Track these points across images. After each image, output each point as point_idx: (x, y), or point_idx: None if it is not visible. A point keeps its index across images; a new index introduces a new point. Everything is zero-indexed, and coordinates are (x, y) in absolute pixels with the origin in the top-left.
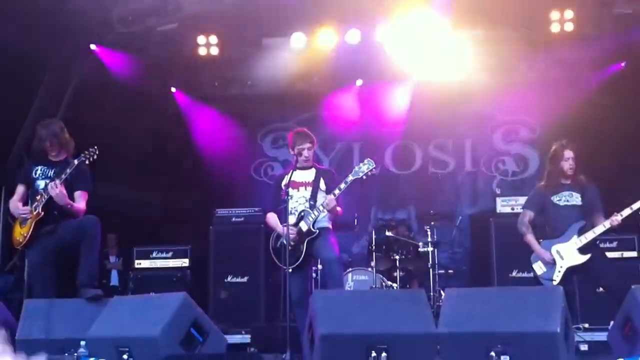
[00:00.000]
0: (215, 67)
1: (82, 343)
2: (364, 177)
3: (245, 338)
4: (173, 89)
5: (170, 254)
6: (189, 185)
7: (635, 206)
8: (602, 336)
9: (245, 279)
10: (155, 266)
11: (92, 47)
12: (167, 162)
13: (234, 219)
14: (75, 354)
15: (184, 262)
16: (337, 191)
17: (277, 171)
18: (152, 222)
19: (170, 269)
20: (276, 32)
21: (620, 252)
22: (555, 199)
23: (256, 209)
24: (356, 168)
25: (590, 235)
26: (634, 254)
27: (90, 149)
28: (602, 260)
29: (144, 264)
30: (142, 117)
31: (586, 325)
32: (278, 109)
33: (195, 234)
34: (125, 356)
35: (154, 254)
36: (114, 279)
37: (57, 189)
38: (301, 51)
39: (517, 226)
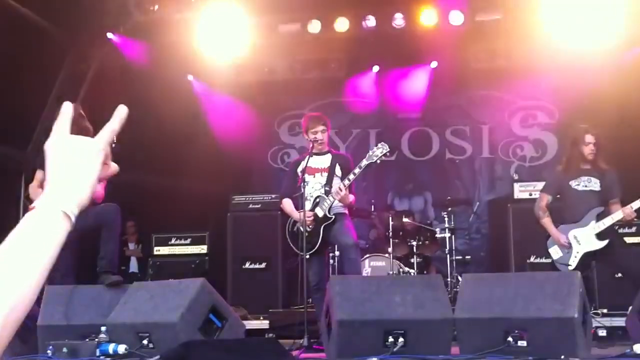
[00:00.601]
0: (232, 54)
1: (103, 329)
2: (378, 161)
3: (264, 324)
4: (190, 77)
5: (188, 241)
6: (206, 172)
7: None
8: (620, 321)
9: (263, 265)
10: (174, 253)
11: (109, 35)
12: (185, 149)
13: (251, 205)
14: (96, 340)
15: (202, 249)
16: (351, 176)
17: (293, 158)
18: (169, 209)
19: (188, 255)
20: (292, 18)
21: (639, 237)
22: (573, 183)
23: (273, 195)
24: (370, 152)
25: (608, 221)
26: None
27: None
28: (620, 245)
29: (163, 250)
30: (159, 104)
31: (604, 311)
32: (294, 96)
33: (213, 221)
34: (145, 341)
35: (173, 241)
36: (133, 266)
37: None
38: (317, 37)
39: (534, 210)
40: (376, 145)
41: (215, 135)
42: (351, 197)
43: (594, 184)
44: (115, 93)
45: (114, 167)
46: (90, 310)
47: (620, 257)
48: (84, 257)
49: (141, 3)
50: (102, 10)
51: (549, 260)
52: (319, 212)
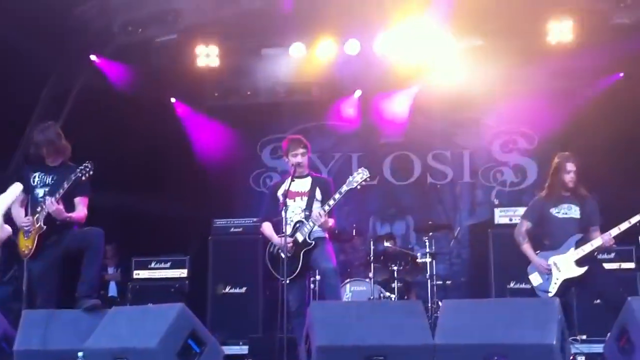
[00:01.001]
0: (215, 78)
1: (80, 354)
2: (358, 187)
3: (243, 349)
4: (173, 99)
5: (168, 264)
6: (188, 195)
7: (622, 226)
8: (599, 348)
9: (243, 290)
10: (154, 276)
11: (93, 57)
12: (167, 172)
13: (232, 229)
14: None
15: (183, 273)
16: (331, 201)
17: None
18: (150, 232)
19: (168, 279)
20: (275, 42)
21: (618, 264)
22: (554, 210)
23: (255, 219)
24: (350, 178)
25: (587, 248)
26: (631, 265)
27: (86, 165)
28: (599, 272)
29: (143, 274)
30: (141, 127)
31: (584, 337)
32: (277, 119)
33: (194, 244)
34: None
35: (153, 265)
36: (112, 290)
37: (54, 206)
38: (300, 61)
39: (514, 236)
40: (356, 171)
41: (198, 158)
42: (331, 222)
43: (574, 212)
44: (98, 114)
45: (6, 230)
46: (68, 335)
47: (600, 284)
48: (65, 280)
49: (125, 25)
50: (85, 31)
51: (528, 286)
52: (299, 237)
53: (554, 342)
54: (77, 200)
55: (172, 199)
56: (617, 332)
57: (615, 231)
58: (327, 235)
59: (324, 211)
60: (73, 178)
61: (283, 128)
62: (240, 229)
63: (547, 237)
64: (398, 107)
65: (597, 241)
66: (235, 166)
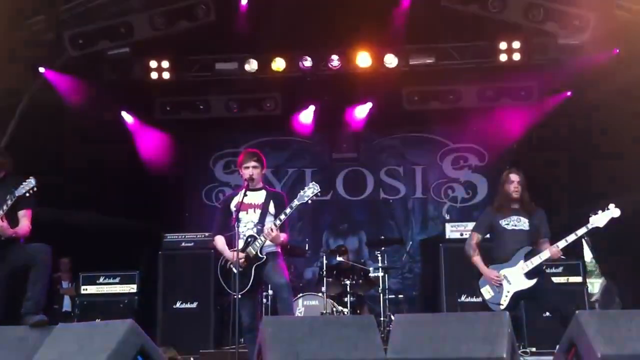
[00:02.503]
0: (167, 92)
1: None
2: (309, 201)
3: None
4: (124, 113)
5: (117, 280)
6: (138, 209)
7: (569, 238)
8: None
9: (194, 305)
10: (103, 292)
11: (41, 70)
12: (117, 186)
13: (183, 244)
14: None
15: (132, 288)
16: (282, 216)
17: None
18: (100, 248)
19: (117, 294)
20: (229, 56)
21: (565, 277)
22: (503, 222)
23: (206, 234)
24: (301, 192)
25: (536, 261)
26: (579, 279)
27: (30, 182)
28: (548, 285)
29: (91, 289)
30: (92, 140)
31: (533, 350)
32: (230, 134)
33: (144, 259)
34: None
35: (101, 280)
36: (67, 305)
37: None
38: (254, 76)
39: (465, 249)
40: (307, 185)
41: (149, 173)
42: (283, 236)
43: (523, 224)
44: (46, 128)
45: None
46: (13, 352)
47: (549, 297)
48: (9, 297)
49: (75, 38)
50: (35, 44)
51: (479, 300)
52: (251, 251)
53: (504, 356)
54: (20, 213)
55: (122, 214)
56: (565, 345)
57: (562, 243)
58: (279, 250)
59: (275, 225)
60: (16, 195)
61: (236, 143)
62: (192, 244)
63: (497, 249)
64: (351, 123)
65: (545, 254)
66: (187, 181)
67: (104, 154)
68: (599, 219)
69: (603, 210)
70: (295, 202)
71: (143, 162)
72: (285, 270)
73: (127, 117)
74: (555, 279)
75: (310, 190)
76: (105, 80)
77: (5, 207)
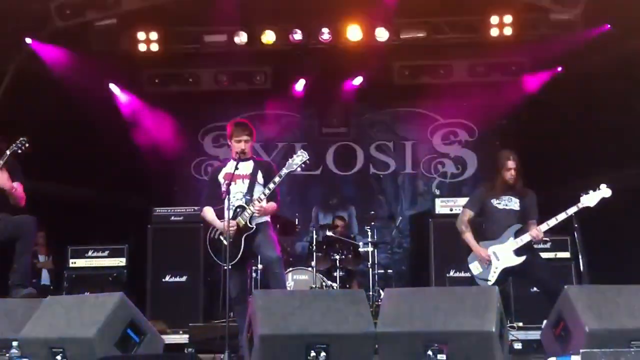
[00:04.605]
0: (156, 64)
1: (15, 344)
2: (298, 169)
3: (183, 338)
4: (112, 85)
5: (106, 253)
6: (127, 183)
7: (560, 217)
8: (535, 335)
9: (184, 279)
10: (91, 265)
11: (28, 40)
12: (105, 159)
13: (172, 218)
14: (7, 355)
15: (121, 262)
16: (271, 185)
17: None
18: (88, 221)
19: (106, 268)
20: (218, 29)
21: (554, 253)
22: (495, 201)
23: (196, 207)
24: (289, 160)
25: (526, 238)
26: (567, 254)
27: (22, 139)
28: (537, 261)
29: (79, 263)
30: (79, 113)
31: (520, 324)
32: (219, 107)
33: (133, 233)
34: (59, 357)
35: (90, 253)
36: (45, 279)
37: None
38: (243, 49)
39: (456, 224)
40: (296, 153)
41: (137, 145)
42: (273, 205)
43: (514, 204)
44: (33, 99)
45: None
46: (2, 324)
47: (537, 272)
48: None
49: (62, 8)
50: (21, 14)
51: (468, 274)
52: (240, 221)
53: (493, 330)
54: (15, 184)
55: (110, 187)
56: (553, 319)
57: (552, 222)
58: (269, 219)
59: (265, 195)
60: (9, 153)
61: (225, 116)
62: (181, 218)
63: (488, 227)
64: (341, 97)
65: (534, 231)
66: (176, 154)
67: (92, 127)
68: (589, 199)
69: (594, 190)
70: (284, 170)
71: (131, 135)
72: (276, 243)
73: (115, 90)
74: (543, 255)
75: (299, 158)
76: (93, 52)
77: (1, 162)
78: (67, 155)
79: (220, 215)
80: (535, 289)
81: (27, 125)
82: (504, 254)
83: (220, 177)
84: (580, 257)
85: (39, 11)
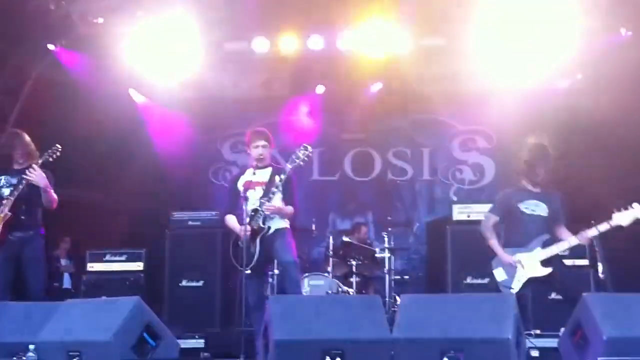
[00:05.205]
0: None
1: (31, 347)
2: (302, 162)
3: (199, 343)
4: (132, 91)
5: (124, 257)
6: (146, 188)
7: (591, 233)
8: (553, 342)
9: (200, 283)
10: (109, 269)
11: (50, 47)
12: (124, 164)
13: (190, 223)
14: (24, 358)
15: (139, 266)
16: (279, 184)
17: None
18: (106, 225)
19: (124, 272)
20: (238, 35)
21: (572, 260)
22: (522, 206)
23: (213, 212)
24: (293, 156)
25: (554, 250)
26: (585, 262)
27: (53, 147)
28: (563, 270)
29: (97, 267)
30: (99, 119)
31: (538, 332)
32: (238, 113)
33: (151, 238)
34: None
35: (108, 257)
36: (67, 282)
37: (35, 171)
38: (263, 56)
39: (481, 230)
40: (299, 149)
41: (156, 151)
42: (289, 208)
43: (542, 209)
44: (54, 105)
45: None
46: (19, 327)
47: (565, 283)
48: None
49: (85, 15)
50: (44, 21)
51: (485, 281)
52: (255, 223)
53: (510, 337)
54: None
55: (129, 192)
56: (571, 327)
57: (582, 238)
58: (288, 225)
59: (272, 194)
60: (41, 161)
61: (244, 123)
62: (199, 223)
63: (513, 233)
64: (360, 103)
65: (563, 244)
66: (194, 160)
67: (112, 132)
68: (622, 218)
69: (626, 209)
70: (288, 166)
71: (150, 141)
72: (293, 248)
73: (135, 95)
74: (566, 262)
75: (302, 152)
76: (114, 58)
77: (40, 161)
78: (87, 160)
79: (240, 222)
80: (554, 295)
81: (48, 130)
82: (530, 263)
83: (240, 185)
84: (600, 264)
85: (61, 18)
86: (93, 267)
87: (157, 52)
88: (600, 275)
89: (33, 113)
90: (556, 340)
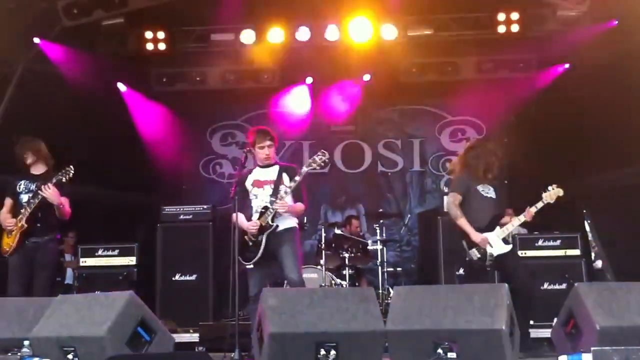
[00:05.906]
0: (163, 63)
1: (26, 343)
2: (318, 167)
3: (194, 337)
4: (120, 85)
5: (116, 252)
6: (136, 182)
7: (538, 205)
8: (546, 333)
9: (193, 277)
10: (101, 264)
11: (36, 40)
12: (114, 158)
13: (181, 216)
14: (19, 354)
15: (131, 260)
16: (292, 184)
17: (226, 168)
18: (98, 221)
19: (116, 267)
20: (225, 28)
21: (563, 250)
22: (480, 188)
23: (205, 206)
24: (310, 160)
25: (509, 227)
26: (576, 252)
27: (67, 168)
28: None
29: (90, 262)
30: (87, 112)
31: (531, 322)
32: (227, 106)
33: (142, 232)
34: (70, 356)
35: (100, 252)
36: (69, 277)
37: (50, 189)
38: (250, 48)
39: (448, 209)
40: (317, 154)
41: (145, 145)
42: (299, 205)
43: (492, 193)
44: (41, 98)
45: None
46: (14, 323)
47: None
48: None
49: (70, 8)
50: (29, 14)
51: None
52: (263, 220)
53: (503, 328)
54: (62, 199)
55: (119, 186)
56: (564, 317)
57: (533, 209)
58: (296, 225)
59: (285, 193)
60: (55, 180)
61: (233, 115)
62: (190, 216)
63: (473, 213)
64: (349, 95)
65: (516, 220)
66: (184, 153)
67: (100, 126)
68: (548, 196)
69: (549, 190)
70: (305, 169)
71: (140, 134)
72: (300, 261)
73: (123, 89)
74: (553, 252)
75: (320, 158)
76: (100, 52)
77: (54, 179)
78: (75, 154)
79: (249, 220)
80: (546, 285)
81: (34, 124)
82: (495, 242)
83: (248, 184)
84: (595, 249)
85: (46, 11)
86: (85, 262)
87: (144, 45)
88: (597, 264)
89: (20, 107)
90: (549, 330)
